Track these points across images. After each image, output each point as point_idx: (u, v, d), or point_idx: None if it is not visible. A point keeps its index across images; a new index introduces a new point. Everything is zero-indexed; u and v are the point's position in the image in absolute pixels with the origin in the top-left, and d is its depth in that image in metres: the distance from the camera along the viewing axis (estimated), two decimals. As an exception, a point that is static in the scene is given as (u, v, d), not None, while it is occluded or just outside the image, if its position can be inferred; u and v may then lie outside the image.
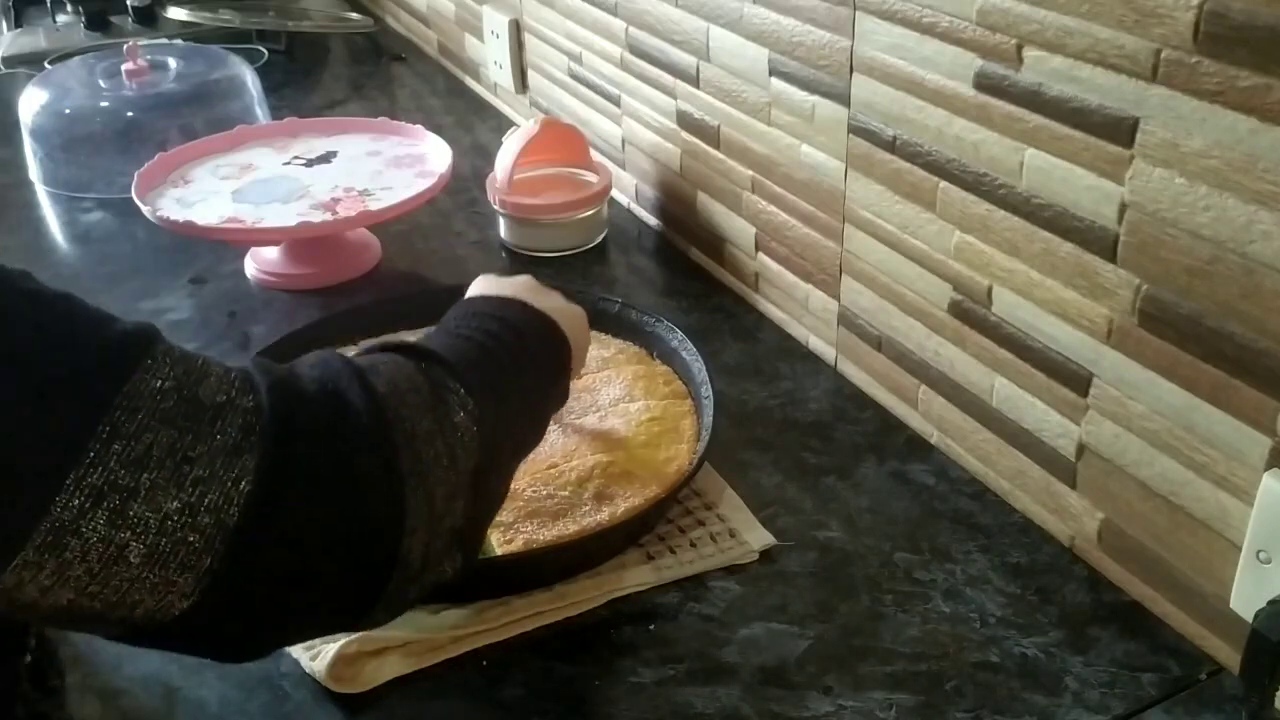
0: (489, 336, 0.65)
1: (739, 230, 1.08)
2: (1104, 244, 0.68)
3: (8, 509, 0.41)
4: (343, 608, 0.52)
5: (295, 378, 0.52)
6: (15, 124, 1.44)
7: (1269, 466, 0.62)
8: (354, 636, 0.69)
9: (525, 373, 0.66)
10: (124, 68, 1.43)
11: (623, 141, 1.27)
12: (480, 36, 1.58)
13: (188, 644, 0.50)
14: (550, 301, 0.72)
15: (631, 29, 1.17)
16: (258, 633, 0.51)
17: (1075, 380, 0.73)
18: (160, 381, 0.45)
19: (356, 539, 0.50)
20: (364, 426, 0.51)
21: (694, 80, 1.08)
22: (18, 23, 1.99)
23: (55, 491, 0.42)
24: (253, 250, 1.19)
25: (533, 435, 0.68)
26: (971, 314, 0.81)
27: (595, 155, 1.27)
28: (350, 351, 0.59)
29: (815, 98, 0.91)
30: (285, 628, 0.52)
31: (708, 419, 0.84)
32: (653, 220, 1.26)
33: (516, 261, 1.19)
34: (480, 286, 0.74)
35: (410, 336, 0.65)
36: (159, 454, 0.44)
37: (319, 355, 0.55)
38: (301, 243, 1.16)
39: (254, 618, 0.49)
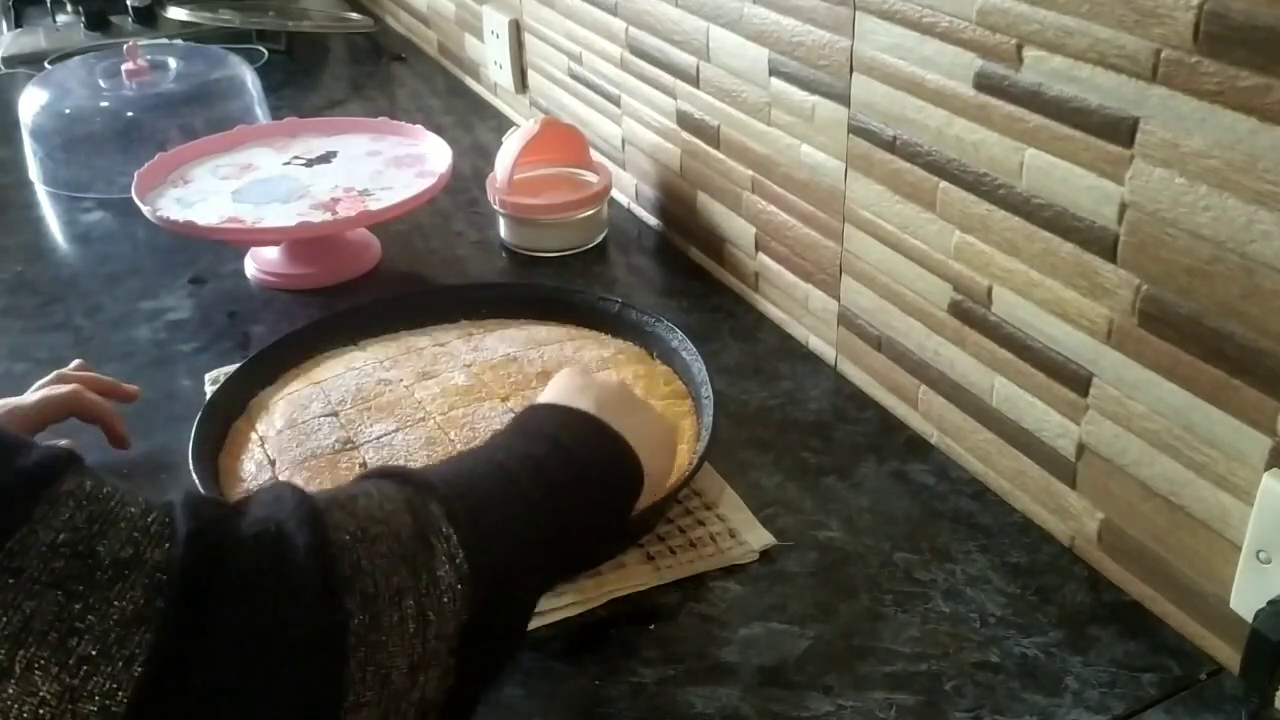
0: (526, 461, 0.57)
1: (739, 230, 1.08)
2: (1104, 244, 0.68)
3: None
4: None
5: (230, 520, 0.44)
6: (15, 124, 1.44)
7: (1269, 466, 0.62)
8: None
9: (567, 503, 0.58)
10: (124, 68, 1.43)
11: (623, 141, 1.27)
12: (480, 36, 1.58)
13: None
14: (633, 418, 0.64)
15: (631, 29, 1.17)
16: None
17: (1075, 380, 0.73)
18: (54, 534, 0.39)
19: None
20: (308, 586, 0.43)
21: (694, 80, 1.08)
22: (18, 23, 1.99)
23: None
24: (253, 250, 1.19)
25: (563, 570, 0.61)
26: (971, 314, 0.81)
27: (595, 155, 1.27)
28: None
29: (815, 98, 0.91)
30: None
31: (708, 419, 0.84)
32: (653, 220, 1.26)
33: (516, 261, 1.19)
34: (557, 389, 0.66)
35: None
36: (40, 626, 0.37)
37: (274, 489, 0.48)
38: (301, 243, 1.16)
39: None
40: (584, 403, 0.64)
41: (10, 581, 0.37)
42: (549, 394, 0.66)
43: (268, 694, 0.41)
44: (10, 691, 0.37)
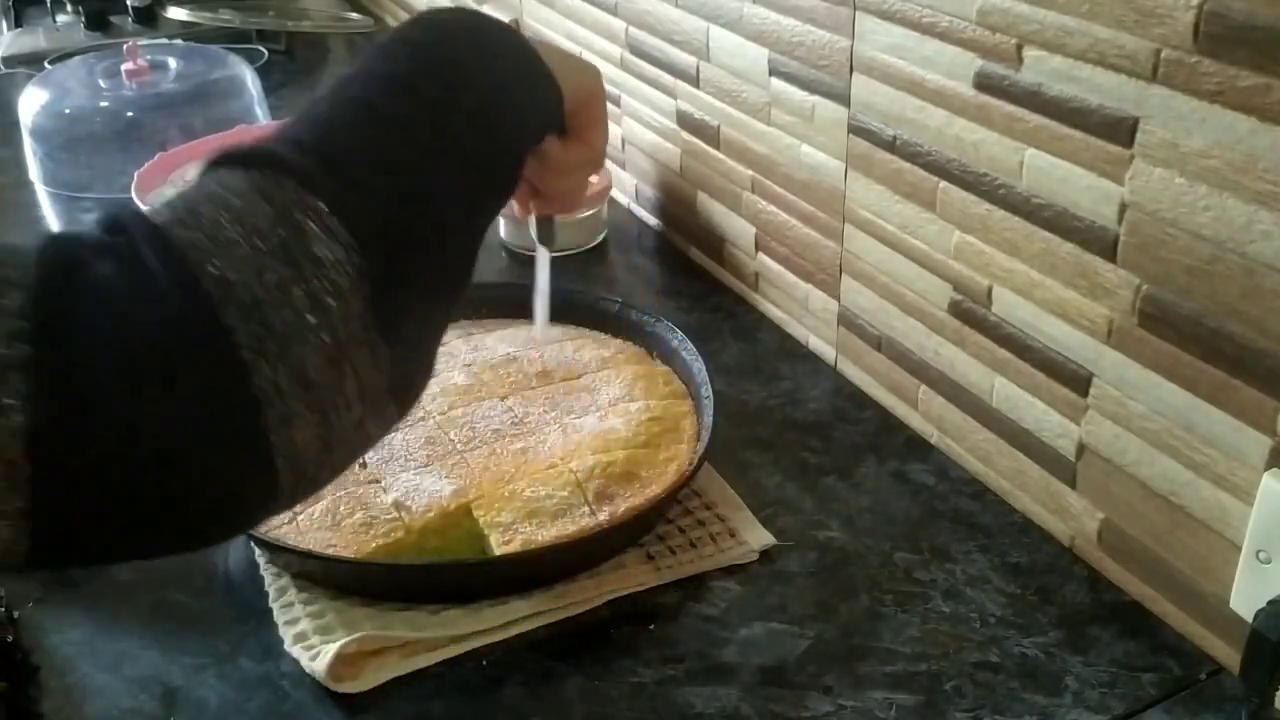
0: (389, 85, 0.48)
1: (739, 230, 1.08)
2: (1104, 244, 0.68)
3: None
4: (230, 515, 0.44)
5: (78, 259, 0.40)
6: (15, 124, 1.44)
7: (1269, 466, 0.62)
8: (354, 636, 0.69)
9: (450, 115, 0.49)
10: (124, 68, 1.43)
11: (623, 141, 1.27)
12: (480, 36, 1.58)
13: (94, 562, 0.43)
14: (546, 48, 0.56)
15: (631, 29, 1.17)
16: (146, 550, 0.43)
17: (1075, 380, 0.73)
18: None
19: (203, 450, 0.40)
20: (177, 312, 0.40)
21: (694, 80, 1.08)
22: (18, 23, 1.99)
23: None
24: (253, 250, 1.19)
25: (488, 187, 0.52)
26: (971, 314, 0.81)
27: (595, 155, 1.27)
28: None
29: (815, 98, 0.91)
30: (168, 542, 0.43)
31: (708, 419, 0.84)
32: (653, 220, 1.26)
33: (516, 262, 1.19)
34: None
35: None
36: None
37: (115, 217, 0.43)
38: (301, 243, 1.15)
39: (120, 543, 0.42)
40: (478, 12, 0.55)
41: None
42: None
43: (173, 430, 0.39)
44: None
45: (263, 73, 1.56)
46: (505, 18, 1.49)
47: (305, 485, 0.44)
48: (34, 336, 0.37)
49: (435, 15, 0.53)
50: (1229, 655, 0.68)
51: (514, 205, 0.64)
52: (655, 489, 0.79)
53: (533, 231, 0.78)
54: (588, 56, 1.28)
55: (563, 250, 1.20)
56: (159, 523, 0.41)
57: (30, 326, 0.37)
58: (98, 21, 1.89)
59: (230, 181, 0.44)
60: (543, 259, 0.81)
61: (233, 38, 1.79)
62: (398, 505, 0.77)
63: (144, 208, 0.44)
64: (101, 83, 1.43)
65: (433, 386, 0.88)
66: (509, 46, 0.54)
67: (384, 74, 0.49)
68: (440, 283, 0.48)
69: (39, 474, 0.37)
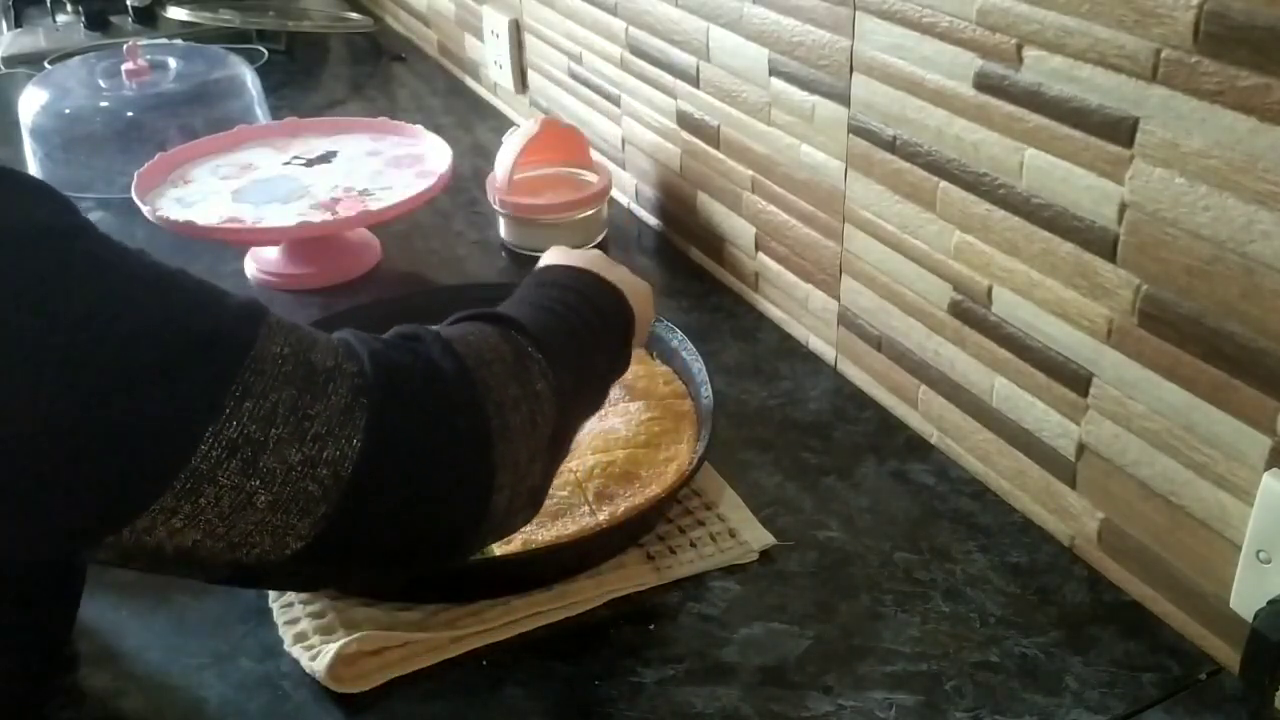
0: (566, 308, 0.68)
1: (739, 230, 1.08)
2: (1104, 244, 0.68)
3: (152, 459, 0.46)
4: (432, 552, 0.58)
5: (391, 348, 0.56)
6: (15, 124, 1.44)
7: (1269, 466, 0.62)
8: (354, 636, 0.69)
9: (596, 344, 0.69)
10: (124, 68, 1.43)
11: (623, 141, 1.27)
12: (480, 36, 1.58)
13: (287, 581, 0.59)
14: (618, 273, 0.75)
15: (631, 29, 1.17)
16: (355, 570, 0.58)
17: (1075, 380, 0.73)
18: (279, 347, 0.50)
19: (452, 495, 0.56)
20: (457, 394, 0.56)
21: (694, 80, 1.08)
22: (18, 23, 1.99)
23: (195, 443, 0.47)
24: (253, 250, 1.19)
25: (598, 401, 0.71)
26: (971, 314, 0.81)
27: (595, 155, 1.27)
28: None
29: (815, 98, 0.91)
30: (380, 567, 0.59)
31: (708, 419, 0.84)
32: (653, 220, 1.26)
33: (516, 261, 1.19)
34: (553, 256, 0.77)
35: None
36: (284, 411, 0.49)
37: (410, 328, 0.59)
38: (301, 243, 1.16)
39: (356, 558, 0.55)
40: (581, 264, 0.74)
41: (258, 378, 0.49)
42: (549, 259, 0.76)
43: (445, 472, 0.55)
44: (265, 460, 0.49)
45: (263, 73, 1.56)
46: (505, 18, 1.49)
47: (490, 537, 0.61)
48: (371, 391, 0.52)
49: (580, 273, 0.73)
50: (1229, 655, 0.68)
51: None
52: (655, 489, 0.79)
53: None
54: (588, 56, 1.29)
55: (563, 250, 1.20)
56: (394, 549, 0.56)
57: (369, 384, 0.53)
58: (98, 21, 1.89)
59: (483, 328, 0.62)
60: None
61: (233, 38, 1.79)
62: (398, 505, 0.77)
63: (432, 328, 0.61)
64: (101, 83, 1.43)
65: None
66: (614, 298, 0.73)
67: (559, 299, 0.69)
68: (579, 426, 0.69)
69: (354, 485, 0.51)
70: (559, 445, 0.63)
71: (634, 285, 0.76)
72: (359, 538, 0.53)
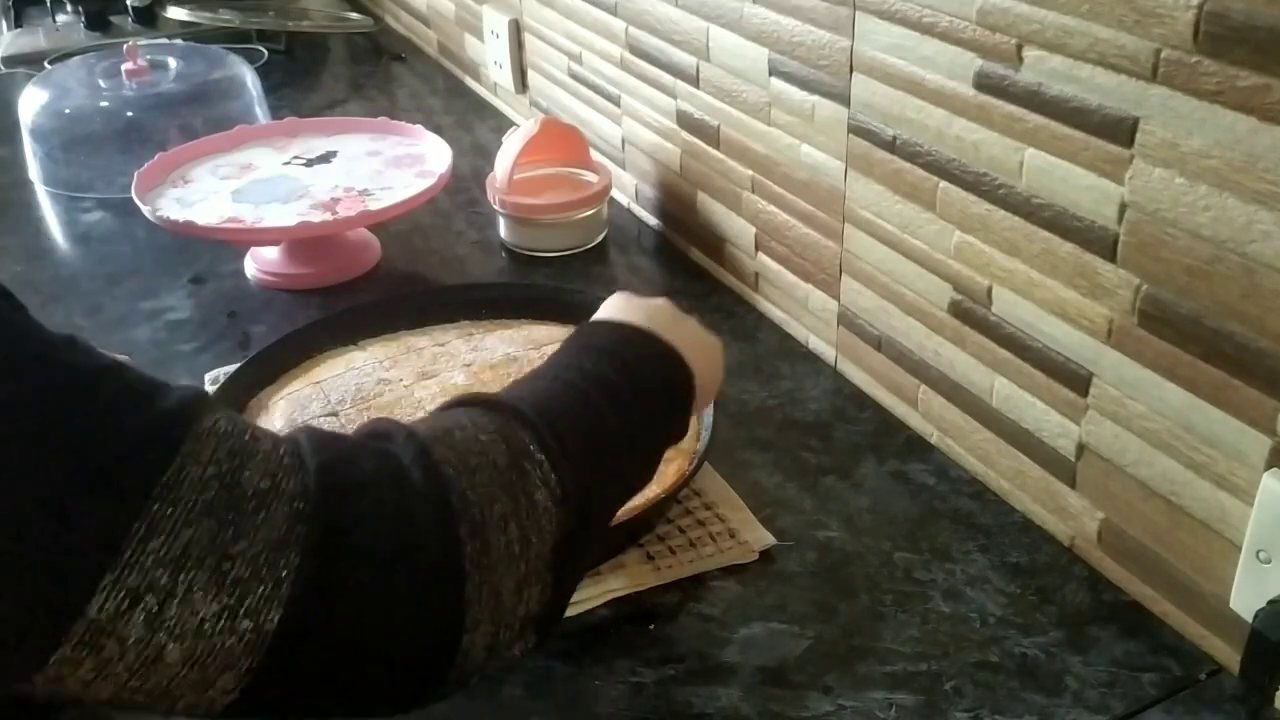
0: (598, 382, 0.59)
1: (739, 230, 1.08)
2: (1104, 244, 0.68)
3: (45, 607, 0.40)
4: (390, 700, 0.49)
5: (351, 455, 0.47)
6: (15, 124, 1.44)
7: (1269, 466, 0.62)
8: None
9: (635, 419, 0.60)
10: (124, 68, 1.43)
11: (623, 141, 1.27)
12: (480, 36, 1.58)
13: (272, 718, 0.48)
14: (682, 330, 0.66)
15: (631, 29, 1.17)
16: (317, 713, 0.48)
17: (1075, 380, 0.73)
18: (201, 469, 0.42)
19: (410, 640, 0.46)
20: (425, 515, 0.47)
21: (694, 80, 1.08)
22: (18, 23, 1.99)
23: (90, 593, 0.40)
24: (253, 250, 1.19)
25: (638, 481, 0.62)
26: (971, 314, 0.81)
27: (595, 155, 1.27)
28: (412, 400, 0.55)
29: (815, 98, 0.91)
30: (333, 714, 0.49)
31: (708, 419, 0.84)
32: (653, 220, 1.26)
33: (516, 261, 1.19)
34: (610, 308, 0.68)
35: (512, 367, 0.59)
36: (198, 552, 0.41)
37: (383, 425, 0.51)
38: (301, 243, 1.16)
39: (302, 710, 0.47)
40: (637, 319, 0.65)
41: (169, 511, 0.41)
42: (605, 312, 0.68)
43: (400, 614, 0.45)
44: (174, 611, 0.41)
45: (263, 73, 1.57)
46: (505, 18, 1.49)
47: (461, 682, 0.49)
48: (310, 519, 0.44)
49: (626, 331, 0.65)
50: (1229, 655, 0.68)
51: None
52: (655, 489, 0.79)
53: None
54: (588, 56, 1.29)
55: (563, 250, 1.20)
56: (346, 693, 0.47)
57: (308, 510, 0.44)
58: (98, 21, 1.89)
59: (480, 419, 0.53)
60: None
61: (233, 38, 1.79)
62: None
63: (406, 422, 0.52)
64: (101, 83, 1.44)
65: (432, 386, 0.89)
66: (667, 361, 0.64)
67: (593, 371, 0.60)
68: (599, 543, 0.59)
69: (280, 639, 0.43)
70: (570, 557, 0.53)
71: (698, 341, 0.67)
72: (298, 695, 0.45)
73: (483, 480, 0.49)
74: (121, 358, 0.45)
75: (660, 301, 0.69)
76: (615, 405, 0.58)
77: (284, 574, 0.42)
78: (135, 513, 0.40)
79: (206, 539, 0.41)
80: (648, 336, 0.64)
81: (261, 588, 0.42)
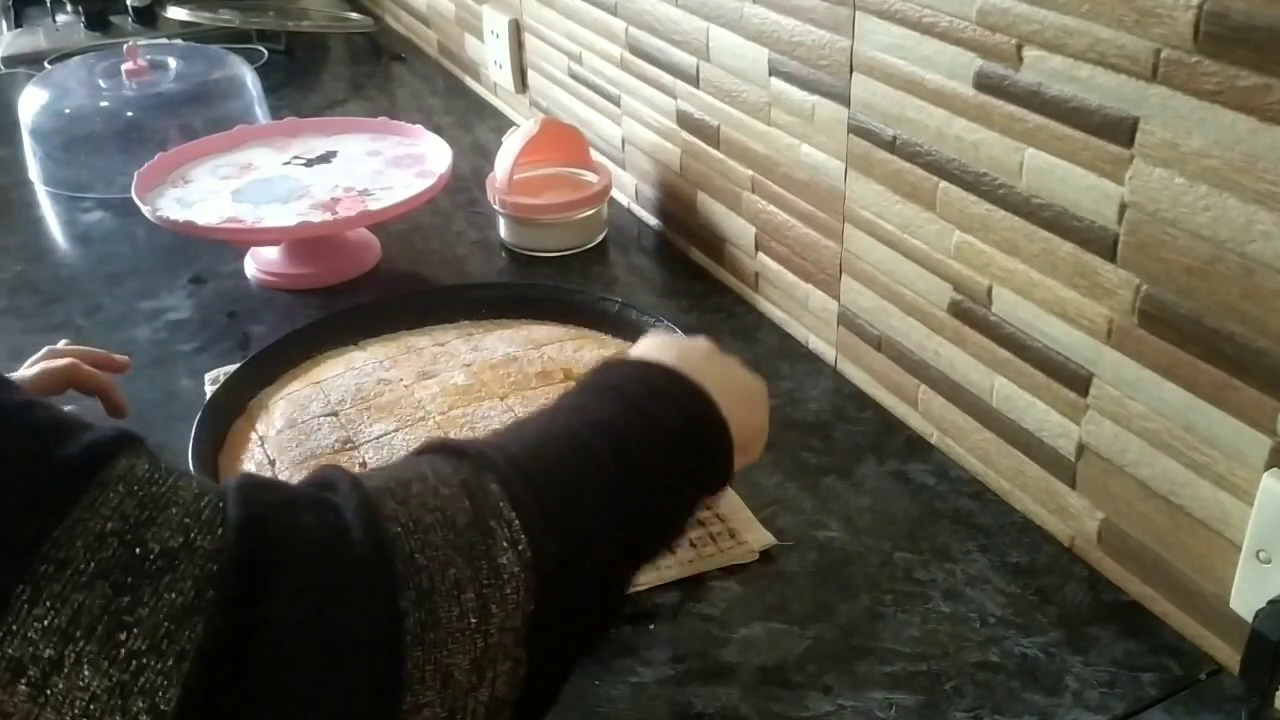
0: (600, 426, 0.52)
1: (739, 230, 1.08)
2: (1104, 244, 0.68)
3: None
4: None
5: (285, 507, 0.42)
6: (15, 124, 1.44)
7: (1269, 466, 0.62)
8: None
9: (648, 468, 0.52)
10: (124, 67, 1.43)
11: (623, 141, 1.27)
12: (480, 36, 1.58)
13: None
14: (718, 370, 0.59)
15: (631, 29, 1.17)
16: None
17: (1075, 380, 0.73)
18: (102, 523, 0.37)
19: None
20: (363, 581, 0.41)
21: (694, 80, 1.08)
22: (18, 23, 1.99)
23: None
24: (253, 250, 1.19)
25: (657, 539, 0.55)
26: (971, 314, 0.81)
27: (595, 155, 1.27)
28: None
29: (815, 98, 0.91)
30: None
31: (708, 419, 0.84)
32: (653, 220, 1.26)
33: (516, 262, 1.19)
34: (641, 347, 0.61)
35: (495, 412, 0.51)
36: (89, 620, 0.36)
37: (329, 474, 0.45)
38: (301, 243, 1.16)
39: None
40: (665, 357, 0.58)
41: (57, 573, 0.36)
42: (632, 351, 0.61)
43: (321, 694, 0.39)
44: (60, 686, 0.36)
45: (263, 73, 1.57)
46: (505, 18, 1.49)
47: None
48: (222, 583, 0.38)
49: (646, 369, 0.57)
50: (1229, 655, 0.68)
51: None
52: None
53: None
54: (588, 56, 1.29)
55: (563, 250, 1.20)
56: None
57: (220, 572, 0.38)
58: (98, 21, 1.89)
59: (442, 469, 0.46)
60: None
61: (233, 38, 1.79)
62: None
63: (357, 473, 0.45)
64: (101, 83, 1.44)
65: (432, 386, 0.89)
66: (693, 404, 0.56)
67: (596, 415, 0.52)
68: (594, 618, 0.50)
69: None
70: (550, 630, 0.45)
71: (738, 385, 0.60)
72: None
73: (436, 540, 0.43)
74: (69, 407, 0.40)
75: (699, 340, 0.62)
76: (620, 454, 0.51)
77: (187, 646, 0.37)
78: (20, 574, 0.36)
79: (100, 605, 0.36)
80: (672, 375, 0.56)
81: (159, 662, 0.37)
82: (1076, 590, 0.74)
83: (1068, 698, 0.66)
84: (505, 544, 0.44)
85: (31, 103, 1.41)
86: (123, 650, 0.36)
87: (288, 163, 1.24)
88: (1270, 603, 0.62)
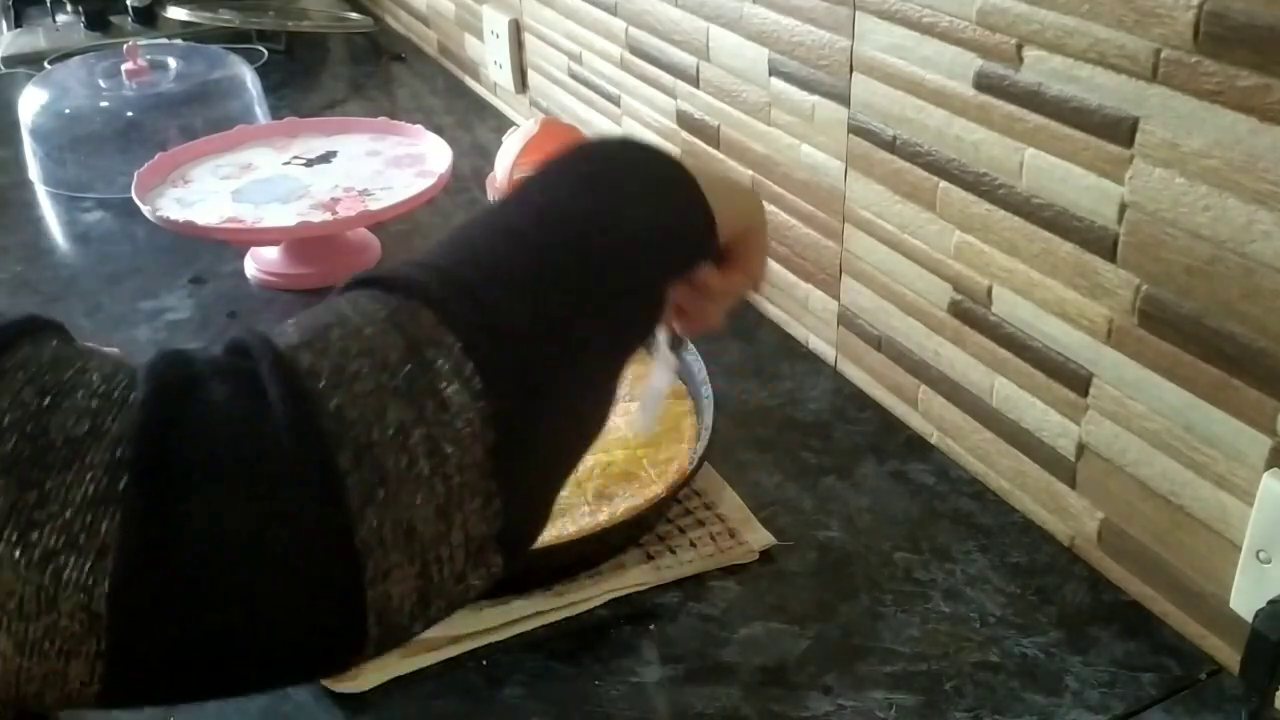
0: (547, 215, 0.46)
1: (739, 230, 1.08)
2: (1104, 244, 0.68)
3: None
4: (299, 673, 0.41)
5: (195, 379, 0.37)
6: (15, 124, 1.44)
7: (1269, 466, 0.62)
8: (354, 637, 0.68)
9: (607, 257, 0.46)
10: (124, 68, 1.43)
11: (623, 141, 1.27)
12: (480, 36, 1.58)
13: (168, 703, 0.39)
14: (695, 162, 0.54)
15: (631, 29, 1.17)
16: (220, 693, 0.40)
17: (1075, 380, 0.73)
18: (1, 414, 0.34)
19: (291, 607, 0.36)
20: (286, 448, 0.36)
21: (694, 80, 1.08)
22: (18, 23, 1.99)
23: None
24: (253, 250, 1.19)
25: (633, 328, 0.49)
26: (971, 314, 0.81)
27: (595, 155, 1.27)
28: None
29: (815, 98, 0.91)
30: (243, 688, 0.40)
31: (708, 419, 0.84)
32: (653, 220, 1.25)
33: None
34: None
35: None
36: None
37: (241, 337, 0.40)
38: (301, 243, 1.16)
39: (187, 695, 0.38)
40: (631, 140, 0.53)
41: None
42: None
43: (266, 582, 0.36)
44: None
45: (263, 73, 1.57)
46: (505, 18, 1.49)
47: (395, 637, 0.40)
48: (133, 466, 0.34)
49: (600, 146, 0.51)
50: (1229, 655, 0.68)
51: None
52: (655, 489, 0.79)
53: (662, 339, 0.71)
54: (588, 56, 1.29)
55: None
56: (237, 670, 0.38)
57: (130, 455, 0.34)
58: (98, 21, 1.89)
59: (365, 306, 0.41)
60: (666, 365, 0.72)
61: (233, 38, 1.79)
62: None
63: (273, 328, 0.40)
64: (101, 83, 1.44)
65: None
66: (668, 179, 0.51)
67: (539, 204, 0.46)
68: (573, 429, 0.45)
69: (119, 619, 0.34)
70: (518, 456, 0.41)
71: (721, 183, 0.54)
72: (170, 679, 0.37)
73: (366, 388, 0.38)
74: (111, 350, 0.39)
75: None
76: (573, 241, 0.45)
77: (106, 541, 0.34)
78: None
79: (6, 506, 0.33)
80: (627, 145, 0.50)
81: (79, 558, 0.33)
82: (1076, 590, 0.74)
83: (1068, 698, 0.66)
84: (449, 373, 0.39)
85: (31, 103, 1.41)
86: (38, 551, 0.33)
87: (288, 163, 1.23)
88: (1270, 603, 0.62)
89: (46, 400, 0.35)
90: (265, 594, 0.36)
